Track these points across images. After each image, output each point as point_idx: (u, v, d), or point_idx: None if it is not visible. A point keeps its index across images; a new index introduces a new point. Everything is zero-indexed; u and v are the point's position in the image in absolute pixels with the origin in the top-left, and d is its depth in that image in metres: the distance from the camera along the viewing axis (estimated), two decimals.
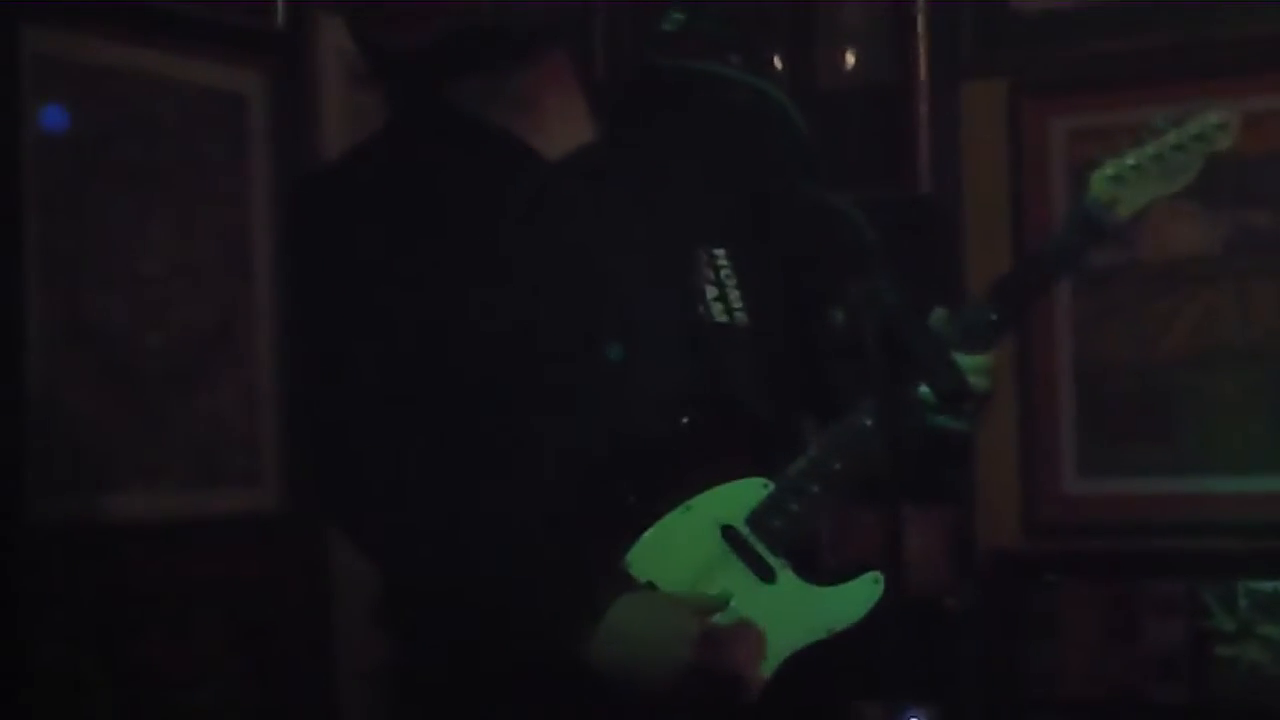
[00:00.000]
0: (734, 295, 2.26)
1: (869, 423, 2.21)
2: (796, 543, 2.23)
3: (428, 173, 2.30)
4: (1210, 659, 3.40)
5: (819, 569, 2.25)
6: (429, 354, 2.21)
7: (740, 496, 2.25)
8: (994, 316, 2.24)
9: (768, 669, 2.18)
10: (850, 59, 3.70)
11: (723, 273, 2.27)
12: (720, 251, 2.23)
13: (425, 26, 2.23)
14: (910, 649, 2.27)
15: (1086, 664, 3.48)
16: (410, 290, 2.23)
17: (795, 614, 2.23)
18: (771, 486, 2.24)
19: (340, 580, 3.15)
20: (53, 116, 2.76)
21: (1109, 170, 2.28)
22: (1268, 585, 3.39)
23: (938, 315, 2.26)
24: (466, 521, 2.22)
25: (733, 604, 2.20)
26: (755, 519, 2.24)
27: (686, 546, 2.22)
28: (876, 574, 2.21)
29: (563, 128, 2.30)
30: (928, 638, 3.08)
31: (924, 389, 2.23)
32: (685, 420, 2.24)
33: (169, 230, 2.92)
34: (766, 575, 2.23)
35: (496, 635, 2.21)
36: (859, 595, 2.23)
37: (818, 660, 2.20)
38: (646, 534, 2.21)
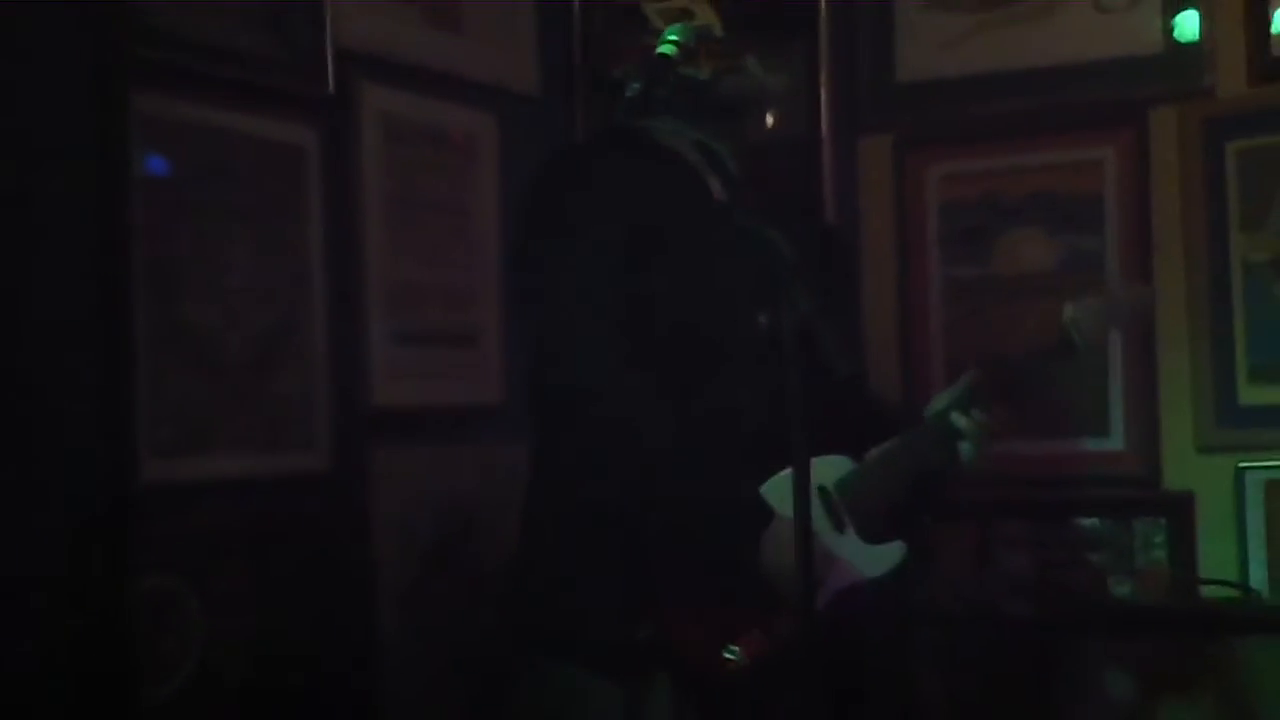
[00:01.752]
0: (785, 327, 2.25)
1: (915, 435, 2.45)
2: (861, 508, 2.39)
3: (629, 180, 2.41)
4: (1048, 581, 3.43)
5: (870, 532, 2.40)
6: (654, 316, 2.35)
7: (835, 467, 2.40)
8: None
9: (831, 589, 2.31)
10: (771, 119, 3.71)
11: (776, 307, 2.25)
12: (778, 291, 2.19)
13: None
14: None
15: (954, 587, 3.47)
16: (610, 259, 2.35)
17: (856, 558, 2.37)
18: (854, 465, 2.41)
19: (377, 521, 3.12)
20: (155, 164, 2.74)
21: (1072, 308, 2.53)
22: (1088, 521, 3.47)
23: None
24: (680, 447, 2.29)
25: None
26: (840, 485, 2.40)
27: (788, 495, 2.22)
28: (902, 543, 2.40)
29: (726, 178, 2.48)
30: None
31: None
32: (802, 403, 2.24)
33: (246, 253, 2.89)
34: (840, 526, 2.38)
35: (684, 528, 2.28)
36: (892, 556, 2.40)
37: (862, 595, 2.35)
38: (772, 479, 2.30)
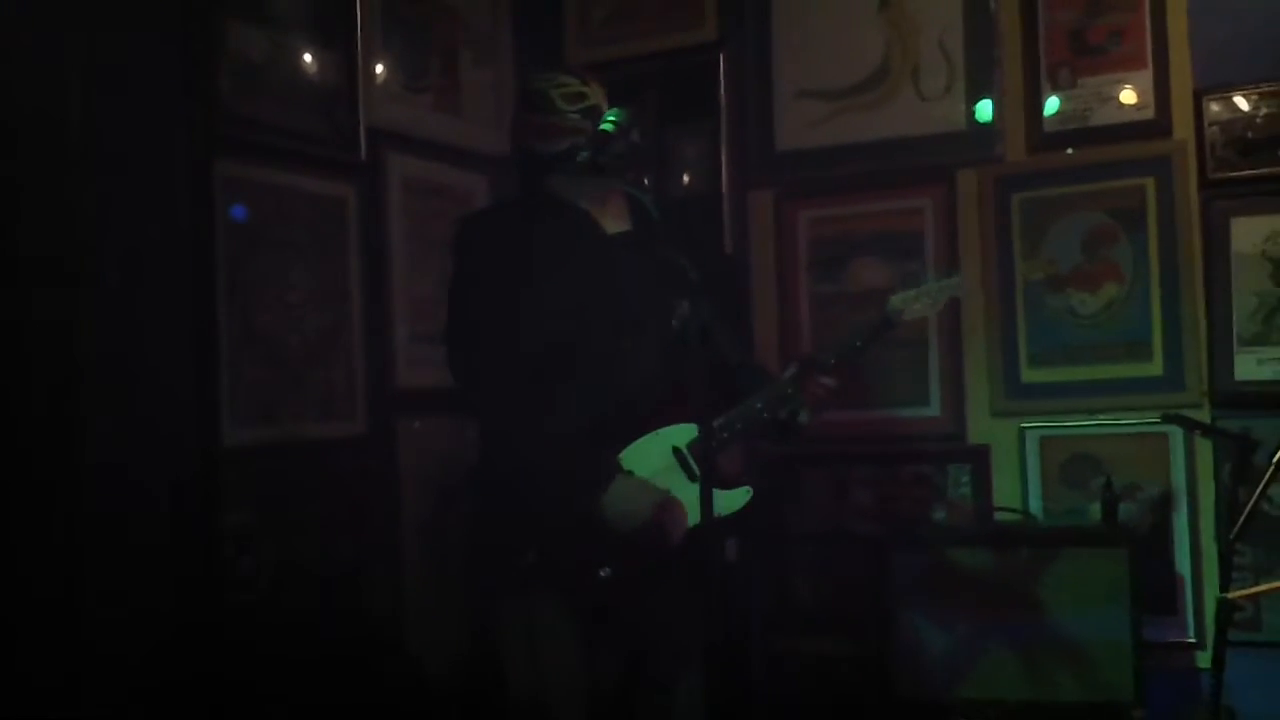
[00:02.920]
0: (689, 332, 2.23)
1: (759, 405, 2.31)
2: (711, 462, 2.22)
3: (539, 226, 2.33)
4: (886, 510, 3.43)
5: (721, 479, 2.27)
6: (533, 327, 2.25)
7: (686, 432, 2.29)
8: (832, 360, 2.39)
9: (692, 521, 2.25)
10: (686, 178, 3.70)
11: (683, 320, 2.22)
12: (684, 310, 2.19)
13: (556, 143, 2.30)
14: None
15: (817, 514, 3.51)
16: (523, 289, 2.28)
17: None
18: (700, 429, 2.22)
19: (405, 473, 3.14)
20: (236, 212, 2.77)
21: (900, 294, 2.50)
22: (914, 466, 3.43)
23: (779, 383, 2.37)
24: (546, 422, 2.25)
25: (672, 491, 2.24)
26: (691, 445, 2.27)
27: (652, 455, 2.27)
28: (749, 488, 2.32)
29: (614, 218, 2.39)
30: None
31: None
32: (660, 386, 2.28)
33: (303, 277, 2.92)
34: (692, 478, 2.27)
35: (545, 489, 2.23)
36: (739, 497, 2.32)
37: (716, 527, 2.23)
38: (632, 445, 2.27)
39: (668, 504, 2.22)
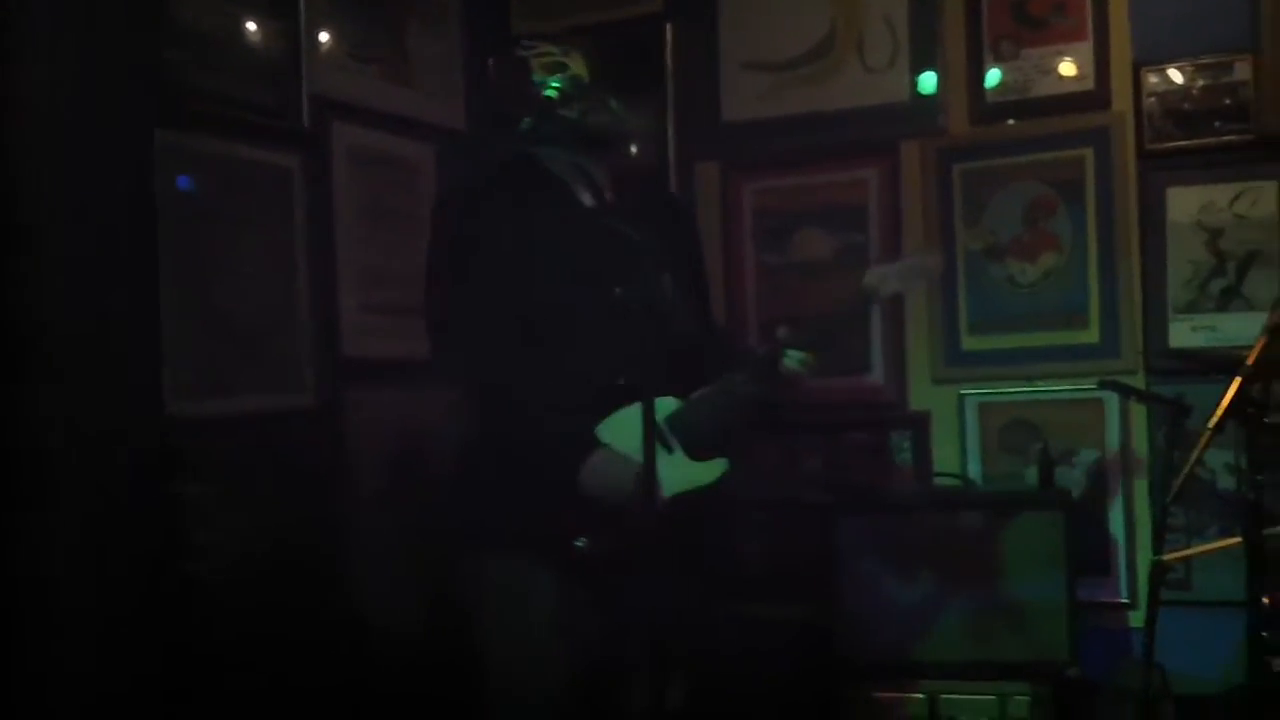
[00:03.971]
0: (660, 298, 2.21)
1: (739, 381, 2.27)
2: (688, 435, 2.26)
3: (519, 200, 2.30)
4: (834, 477, 3.44)
5: (698, 452, 2.29)
6: (515, 302, 2.24)
7: (664, 406, 2.25)
8: (809, 339, 2.33)
9: (668, 493, 2.24)
10: (634, 149, 3.68)
11: (665, 283, 2.22)
12: (649, 283, 2.17)
13: (534, 113, 2.25)
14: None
15: (768, 483, 3.47)
16: (504, 264, 2.25)
17: (682, 472, 2.26)
18: (680, 403, 2.27)
19: (350, 444, 3.11)
20: (181, 181, 2.70)
21: (874, 271, 2.37)
22: (859, 433, 3.48)
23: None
24: (529, 392, 2.24)
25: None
26: (669, 419, 2.27)
27: (630, 428, 2.18)
28: (725, 460, 2.29)
29: (594, 189, 2.34)
30: None
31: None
32: (639, 362, 2.17)
33: (249, 247, 2.87)
34: (670, 450, 2.25)
35: (526, 459, 2.22)
36: (715, 469, 2.29)
37: (691, 498, 2.26)
38: (610, 417, 2.24)
39: (644, 474, 2.14)
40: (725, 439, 2.29)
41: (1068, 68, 3.31)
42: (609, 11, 3.66)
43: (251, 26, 2.91)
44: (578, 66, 2.33)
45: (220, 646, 2.66)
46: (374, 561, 3.13)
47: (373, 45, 3.28)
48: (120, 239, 2.55)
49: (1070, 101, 3.29)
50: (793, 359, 2.31)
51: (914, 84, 3.42)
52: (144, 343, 2.58)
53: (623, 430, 2.23)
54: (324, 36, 3.11)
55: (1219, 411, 1.88)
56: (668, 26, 3.63)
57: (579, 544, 2.22)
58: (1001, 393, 3.33)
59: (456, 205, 2.39)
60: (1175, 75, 3.21)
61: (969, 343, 3.37)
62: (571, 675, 2.28)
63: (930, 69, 3.41)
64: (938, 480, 3.34)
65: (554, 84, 2.24)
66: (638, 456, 2.16)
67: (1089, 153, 3.27)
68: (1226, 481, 3.12)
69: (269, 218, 2.95)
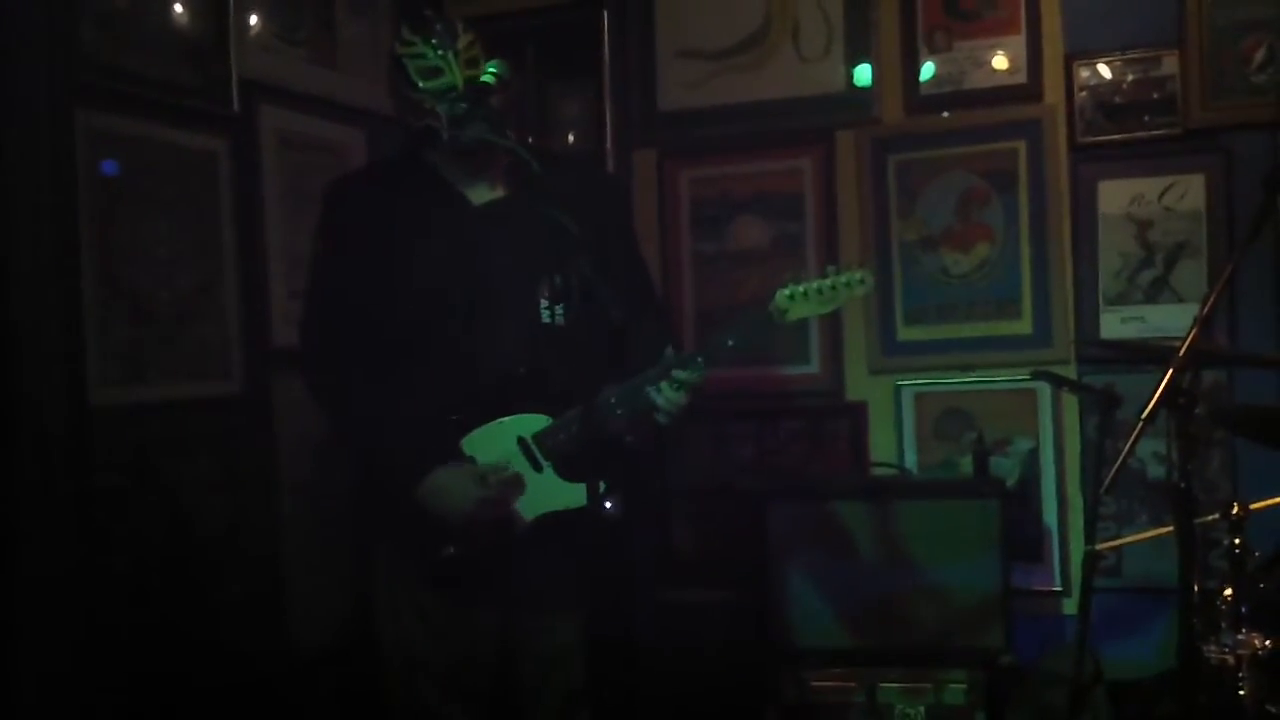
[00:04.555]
0: (559, 308, 2.19)
1: (613, 400, 2.14)
2: (557, 454, 2.18)
3: (405, 195, 2.24)
4: (766, 464, 3.44)
5: (569, 472, 2.19)
6: (386, 300, 2.18)
7: (533, 422, 2.20)
8: (700, 358, 2.14)
9: (530, 514, 2.20)
10: (571, 137, 3.66)
11: (556, 290, 2.17)
12: (558, 277, 2.14)
13: (418, 117, 2.18)
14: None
15: (702, 470, 3.51)
16: (376, 265, 2.20)
17: (551, 492, 2.19)
18: (550, 421, 2.19)
19: (279, 430, 3.05)
20: (104, 165, 2.62)
21: (787, 291, 2.09)
22: (793, 422, 3.46)
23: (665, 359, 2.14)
24: (381, 405, 2.20)
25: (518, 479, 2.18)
26: (537, 437, 2.18)
27: (496, 443, 2.19)
28: (596, 478, 2.10)
29: (490, 185, 2.25)
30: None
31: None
32: (513, 374, 2.18)
33: (172, 231, 2.79)
34: (538, 468, 2.19)
35: (379, 470, 2.22)
36: (576, 493, 2.17)
37: (558, 520, 2.19)
38: (475, 431, 2.19)
39: (496, 486, 2.16)
40: (602, 459, 2.13)
41: (1000, 60, 3.32)
42: None
43: (177, 6, 2.82)
44: (453, 71, 2.16)
45: (140, 639, 2.60)
46: (298, 551, 3.07)
47: (301, 27, 3.20)
48: (40, 223, 2.48)
49: (1003, 94, 3.33)
50: (677, 379, 2.13)
51: (849, 74, 3.43)
52: (65, 330, 2.52)
53: (487, 444, 2.19)
54: (252, 18, 3.03)
55: (1152, 402, 1.87)
56: (604, 14, 3.59)
57: (447, 552, 2.20)
58: (937, 382, 3.34)
59: (337, 200, 2.32)
60: (1105, 70, 3.24)
61: (904, 333, 3.38)
62: (475, 661, 2.29)
63: (865, 59, 3.41)
64: (874, 469, 3.34)
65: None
66: (489, 474, 2.16)
67: (1021, 145, 3.29)
68: (1156, 471, 3.16)
69: (196, 202, 2.87)
